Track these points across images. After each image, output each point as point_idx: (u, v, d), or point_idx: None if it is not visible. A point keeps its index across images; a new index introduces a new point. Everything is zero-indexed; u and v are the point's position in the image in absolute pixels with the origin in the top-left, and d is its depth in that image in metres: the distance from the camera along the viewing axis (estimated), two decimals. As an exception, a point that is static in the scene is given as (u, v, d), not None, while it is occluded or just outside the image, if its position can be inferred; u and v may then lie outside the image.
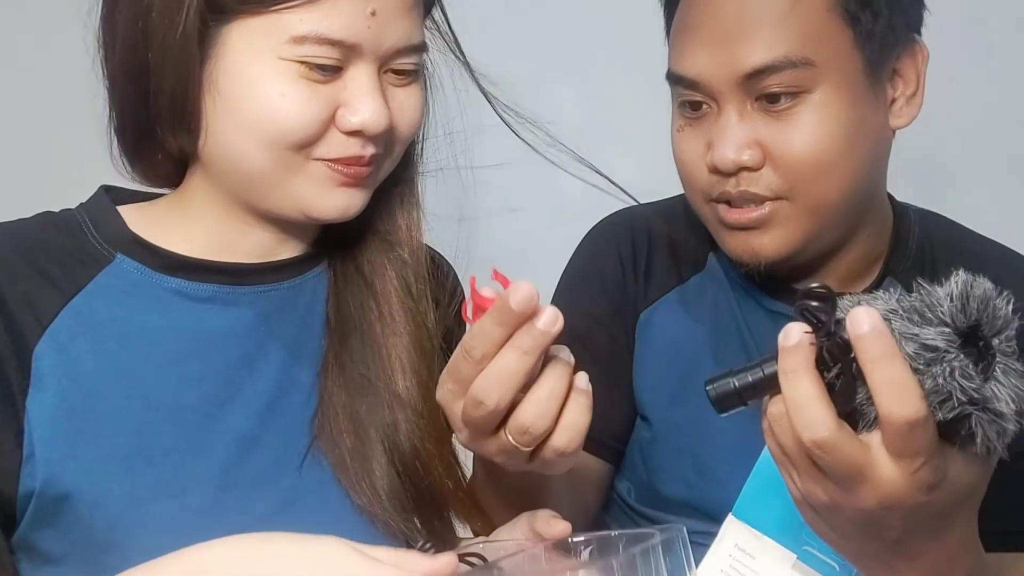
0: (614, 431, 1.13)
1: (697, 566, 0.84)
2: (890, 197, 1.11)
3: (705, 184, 1.01)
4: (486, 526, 0.90)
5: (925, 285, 0.68)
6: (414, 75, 0.87)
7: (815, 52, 0.95)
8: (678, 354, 1.10)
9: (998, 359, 0.65)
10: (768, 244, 0.99)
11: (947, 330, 0.65)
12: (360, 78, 0.82)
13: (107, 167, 0.91)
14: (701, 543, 0.89)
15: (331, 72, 0.81)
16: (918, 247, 1.08)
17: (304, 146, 0.82)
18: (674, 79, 1.02)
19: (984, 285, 0.66)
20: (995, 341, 0.65)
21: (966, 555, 0.76)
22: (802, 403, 0.66)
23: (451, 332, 0.99)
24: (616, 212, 1.20)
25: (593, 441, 1.12)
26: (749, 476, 0.84)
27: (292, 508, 0.84)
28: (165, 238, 0.87)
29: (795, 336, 0.67)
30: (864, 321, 0.64)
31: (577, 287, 1.18)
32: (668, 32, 1.06)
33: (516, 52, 1.69)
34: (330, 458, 0.87)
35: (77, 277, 0.83)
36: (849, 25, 0.96)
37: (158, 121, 0.83)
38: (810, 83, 0.95)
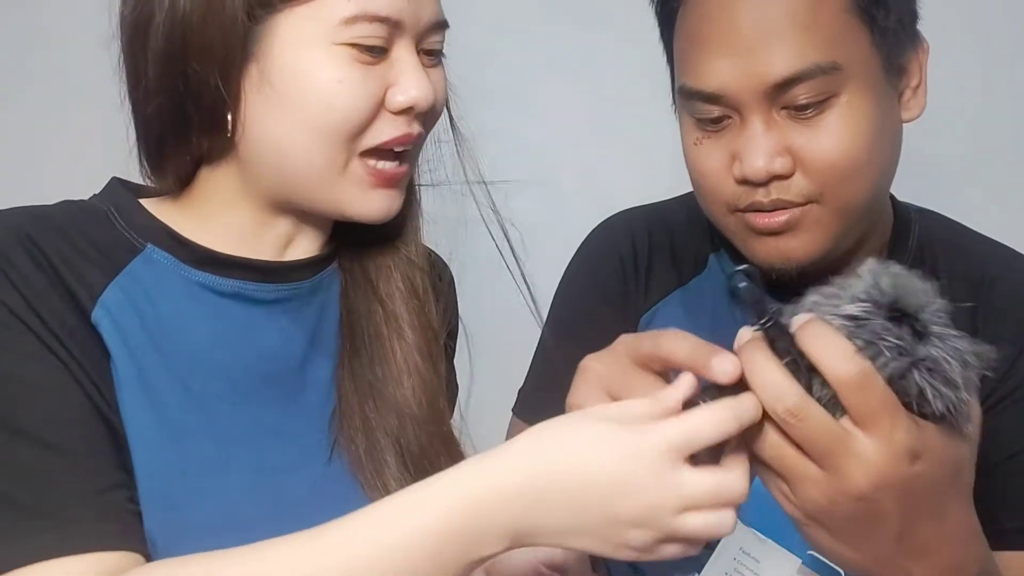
0: None
1: (701, 571, 0.84)
2: (891, 196, 1.11)
3: (731, 196, 0.98)
4: None
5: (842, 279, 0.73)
6: (440, 55, 0.89)
7: (840, 55, 0.93)
8: None
9: (933, 330, 0.70)
10: (799, 247, 0.98)
11: (866, 304, 0.70)
12: (405, 56, 0.84)
13: (102, 164, 0.90)
14: (708, 544, 0.89)
15: (380, 53, 0.82)
16: (918, 245, 1.08)
17: (358, 133, 0.83)
18: (690, 94, 0.98)
19: (896, 267, 0.72)
20: (924, 315, 0.70)
21: (973, 543, 0.77)
22: (768, 380, 0.69)
23: (453, 329, 1.00)
24: (615, 215, 1.20)
25: None
26: (753, 480, 0.84)
27: (323, 496, 0.85)
28: (188, 231, 0.87)
29: (747, 334, 0.71)
30: (801, 318, 0.70)
31: (576, 291, 1.17)
32: (667, 43, 1.04)
33: (516, 52, 1.70)
34: (347, 456, 0.88)
35: (115, 260, 0.83)
36: (867, 24, 0.95)
37: (195, 126, 0.83)
38: (837, 87, 0.94)
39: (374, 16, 0.80)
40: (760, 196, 0.96)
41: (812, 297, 0.73)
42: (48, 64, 1.63)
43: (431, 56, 0.87)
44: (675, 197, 1.19)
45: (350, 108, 0.81)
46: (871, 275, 0.71)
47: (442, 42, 0.88)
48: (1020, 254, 1.10)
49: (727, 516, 0.69)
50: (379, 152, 0.85)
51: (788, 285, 1.04)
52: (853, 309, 0.70)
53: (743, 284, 0.69)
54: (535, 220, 1.73)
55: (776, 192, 0.95)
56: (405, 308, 0.91)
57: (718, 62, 0.94)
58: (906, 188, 1.13)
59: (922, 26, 1.02)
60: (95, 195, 0.89)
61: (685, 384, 0.70)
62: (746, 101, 0.94)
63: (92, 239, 0.83)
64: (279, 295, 0.89)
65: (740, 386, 0.70)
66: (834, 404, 0.69)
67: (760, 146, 0.94)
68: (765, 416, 0.70)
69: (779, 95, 0.93)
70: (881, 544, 0.72)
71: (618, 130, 1.72)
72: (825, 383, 0.69)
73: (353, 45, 0.81)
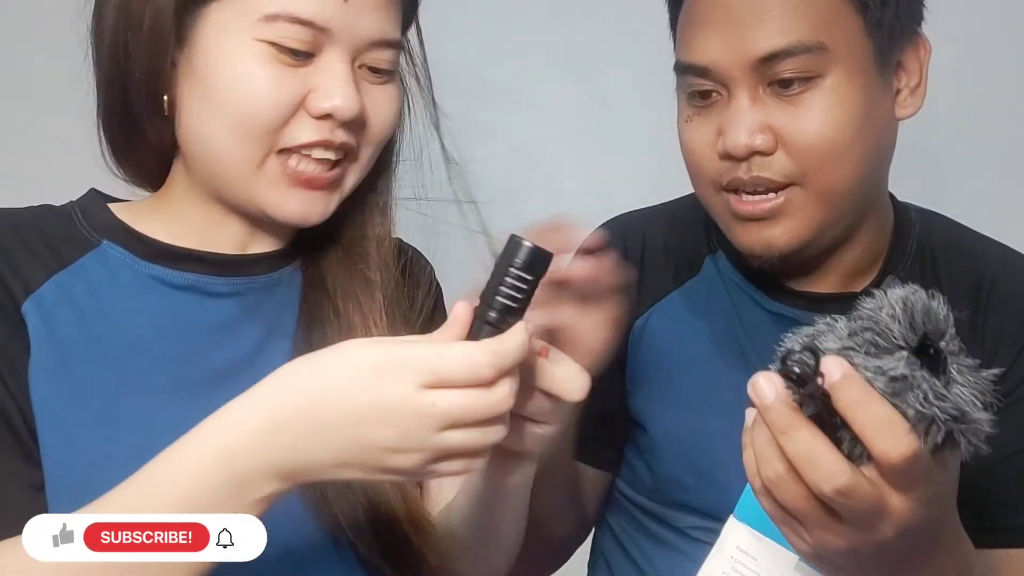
0: (609, 442, 1.14)
1: (699, 567, 0.84)
2: (891, 196, 1.11)
3: (715, 172, 1.00)
4: (440, 553, 0.89)
5: (867, 307, 0.69)
6: (389, 75, 0.89)
7: (827, 37, 0.95)
8: (674, 358, 1.10)
9: (951, 362, 0.67)
10: (780, 235, 0.99)
11: (905, 353, 0.66)
12: (333, 64, 0.84)
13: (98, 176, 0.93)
14: (705, 541, 0.89)
15: (302, 57, 0.83)
16: (918, 245, 1.08)
17: (270, 130, 0.83)
18: (683, 68, 1.02)
19: (920, 295, 0.68)
20: (942, 344, 0.67)
21: (961, 546, 0.79)
22: (814, 456, 0.66)
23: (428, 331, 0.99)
24: (610, 220, 1.21)
25: (588, 452, 1.12)
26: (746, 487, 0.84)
27: None
28: (149, 227, 0.90)
29: (771, 391, 0.67)
30: (835, 369, 0.65)
31: None
32: (673, 26, 1.06)
33: (516, 52, 1.70)
34: None
35: (63, 257, 0.86)
36: (859, 12, 0.97)
37: (138, 109, 0.86)
38: (822, 68, 0.95)
39: (295, 18, 0.81)
40: (741, 172, 0.98)
41: (841, 339, 0.68)
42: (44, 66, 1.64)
43: (377, 73, 0.87)
44: (670, 201, 1.19)
45: (260, 102, 0.82)
46: (906, 314, 0.67)
47: (392, 62, 0.88)
48: (1019, 254, 1.11)
49: (493, 430, 0.68)
50: (301, 154, 0.85)
51: (769, 274, 1.05)
52: (897, 366, 0.65)
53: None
54: (534, 221, 1.75)
55: (757, 168, 0.97)
56: (360, 323, 0.91)
57: (709, 37, 0.98)
58: (904, 187, 1.14)
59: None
60: (72, 200, 0.92)
61: (453, 319, 0.69)
62: (734, 76, 0.97)
63: (46, 236, 0.86)
64: (234, 288, 0.90)
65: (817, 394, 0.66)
66: (862, 455, 0.67)
67: (743, 121, 0.96)
68: (789, 468, 0.67)
69: (765, 70, 0.96)
70: (885, 570, 0.74)
71: (618, 130, 1.72)
72: (855, 439, 0.66)
73: (273, 44, 0.82)
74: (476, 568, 0.94)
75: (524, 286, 0.67)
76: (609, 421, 1.12)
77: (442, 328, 0.70)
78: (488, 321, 0.68)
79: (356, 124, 0.86)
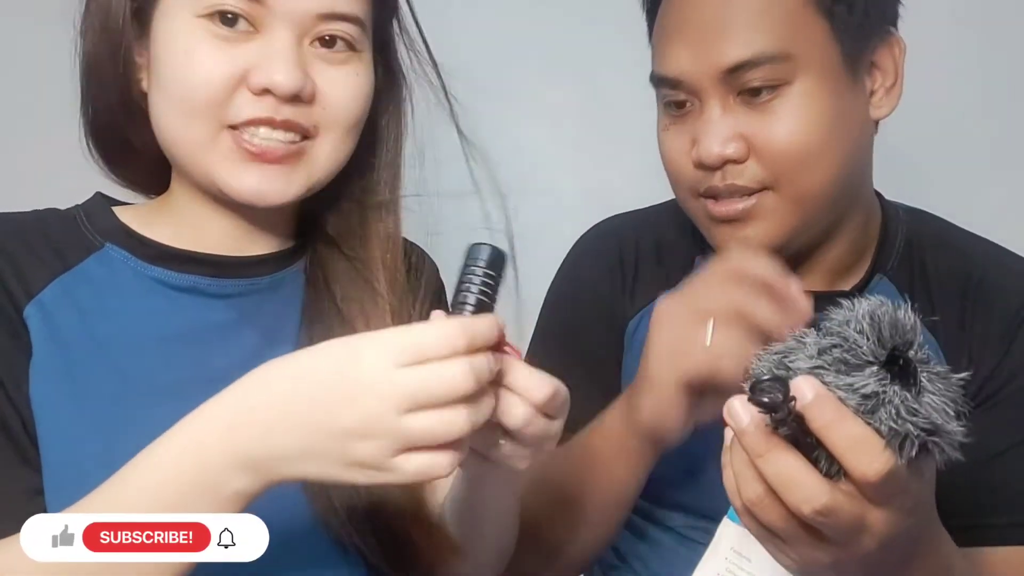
0: None
1: (694, 569, 0.85)
2: (879, 195, 1.12)
3: (691, 180, 1.02)
4: (448, 551, 0.89)
5: (834, 321, 0.69)
6: (347, 51, 0.87)
7: (792, 45, 0.96)
8: None
9: (921, 371, 0.67)
10: (754, 236, 1.00)
11: (875, 368, 0.66)
12: (274, 41, 0.83)
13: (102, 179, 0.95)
14: (699, 541, 0.90)
15: (241, 28, 0.83)
16: (906, 243, 1.09)
17: (212, 106, 0.83)
18: (657, 80, 1.04)
19: (887, 308, 0.68)
20: (911, 354, 0.67)
21: (939, 546, 0.80)
22: (792, 478, 0.67)
23: None
24: (603, 222, 1.22)
25: None
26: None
27: (258, 501, 0.85)
28: (152, 230, 0.90)
29: (746, 416, 0.67)
30: (807, 390, 0.65)
31: (563, 300, 1.19)
32: (650, 37, 1.08)
33: (516, 51, 1.70)
34: None
35: (66, 259, 0.87)
36: (825, 17, 0.98)
37: (114, 110, 0.87)
38: (789, 75, 0.96)
39: None
40: (716, 181, 0.99)
41: (810, 358, 0.68)
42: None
43: (331, 49, 0.86)
44: (662, 203, 1.20)
45: (195, 78, 0.83)
46: (873, 328, 0.67)
47: (351, 36, 0.86)
48: (1008, 251, 1.11)
49: (456, 414, 0.65)
50: (252, 128, 0.84)
51: None
52: (868, 382, 0.66)
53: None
54: (535, 222, 1.75)
55: (730, 176, 0.99)
56: (364, 324, 0.90)
57: (680, 49, 1.00)
58: (886, 186, 1.14)
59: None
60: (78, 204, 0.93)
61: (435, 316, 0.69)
62: (704, 86, 0.98)
63: (50, 240, 0.87)
64: (236, 290, 0.90)
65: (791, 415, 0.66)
66: (839, 472, 0.67)
67: (715, 131, 0.98)
68: (768, 490, 0.68)
69: (733, 80, 0.97)
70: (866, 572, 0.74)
71: (618, 130, 1.72)
72: (832, 457, 0.66)
73: (209, 16, 0.82)
74: (464, 568, 0.93)
75: (489, 282, 0.71)
76: None
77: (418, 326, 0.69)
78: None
79: (305, 102, 0.85)
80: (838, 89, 0.98)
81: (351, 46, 0.87)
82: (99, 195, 0.94)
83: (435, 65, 0.95)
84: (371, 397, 0.65)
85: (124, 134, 0.89)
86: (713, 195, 1.00)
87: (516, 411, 0.71)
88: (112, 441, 0.81)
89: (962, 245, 1.10)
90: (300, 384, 0.68)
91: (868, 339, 0.67)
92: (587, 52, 1.69)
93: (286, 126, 0.84)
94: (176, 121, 0.85)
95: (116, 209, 0.92)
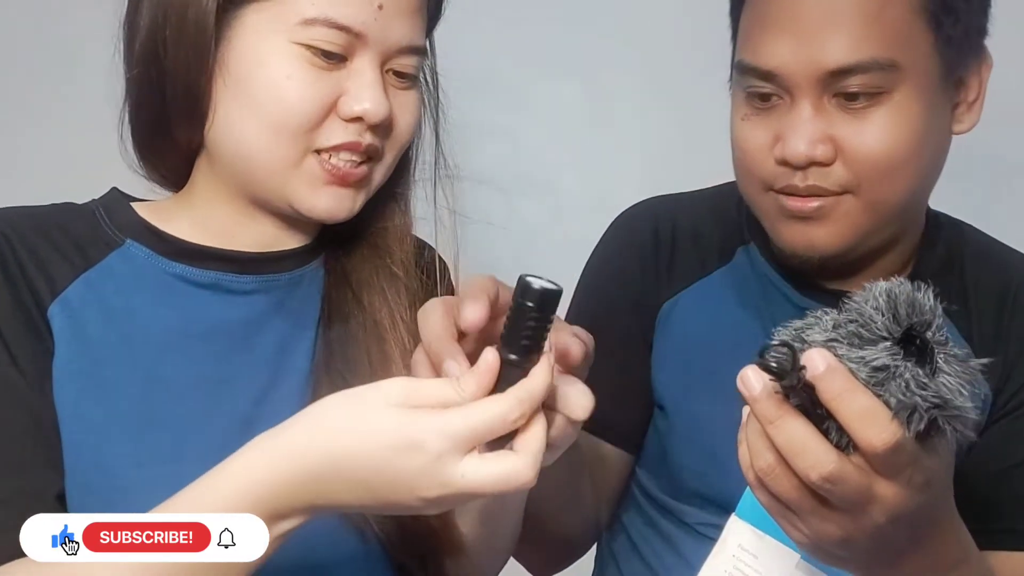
0: (631, 420, 1.13)
1: (703, 565, 0.84)
2: None
3: (768, 175, 0.99)
4: (458, 548, 0.90)
5: (853, 302, 0.70)
6: (413, 80, 0.90)
7: (900, 54, 0.94)
8: (697, 346, 1.10)
9: (937, 352, 0.68)
10: (824, 236, 0.98)
11: (888, 343, 0.67)
12: (364, 69, 0.86)
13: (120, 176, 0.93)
14: (714, 538, 0.89)
15: (336, 60, 0.85)
16: (945, 252, 1.09)
17: (305, 131, 0.85)
18: (745, 69, 1.00)
19: (904, 287, 0.69)
20: (929, 335, 0.68)
21: (961, 539, 0.80)
22: (801, 445, 0.67)
23: None
24: (641, 202, 1.20)
25: (611, 430, 1.12)
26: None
27: None
28: (173, 226, 0.91)
29: (758, 383, 0.68)
30: (819, 362, 0.66)
31: (596, 278, 1.18)
32: (735, 22, 1.05)
33: (517, 52, 1.70)
34: None
35: (89, 256, 0.87)
36: (932, 28, 0.95)
37: (171, 107, 0.87)
38: (891, 84, 0.94)
39: (334, 23, 0.83)
40: (797, 180, 0.97)
41: (825, 331, 0.69)
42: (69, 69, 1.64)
43: (402, 78, 0.89)
44: (704, 188, 1.19)
45: (295, 105, 0.84)
46: (889, 305, 0.68)
47: (416, 67, 0.90)
48: None
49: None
50: (336, 153, 0.86)
51: (807, 274, 1.05)
52: (879, 356, 0.66)
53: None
54: (535, 221, 1.75)
55: (813, 178, 0.97)
56: (387, 317, 0.91)
57: (779, 42, 0.96)
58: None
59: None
60: (94, 199, 0.93)
61: (485, 368, 0.68)
62: (799, 84, 0.95)
63: (72, 236, 0.87)
64: (258, 286, 0.91)
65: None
66: (849, 444, 0.67)
67: (805, 131, 0.95)
68: (779, 459, 0.69)
69: (833, 83, 0.94)
70: (885, 558, 0.75)
71: (618, 130, 1.72)
72: (842, 428, 0.67)
73: (309, 47, 0.84)
74: (471, 567, 0.93)
75: (538, 323, 0.69)
76: (632, 398, 1.12)
77: (471, 372, 0.69)
78: (511, 362, 0.69)
79: (383, 127, 0.88)
80: (933, 101, 0.97)
81: (415, 73, 0.90)
82: (116, 190, 0.94)
83: (433, 66, 0.96)
84: (436, 489, 0.67)
85: (170, 129, 0.88)
86: (790, 192, 0.98)
87: (555, 424, 0.73)
88: (139, 441, 0.82)
89: (1002, 257, 1.10)
90: (365, 462, 0.68)
91: (883, 315, 0.68)
92: (587, 52, 1.69)
93: (369, 151, 0.88)
94: (262, 138, 0.85)
95: (135, 205, 0.92)
